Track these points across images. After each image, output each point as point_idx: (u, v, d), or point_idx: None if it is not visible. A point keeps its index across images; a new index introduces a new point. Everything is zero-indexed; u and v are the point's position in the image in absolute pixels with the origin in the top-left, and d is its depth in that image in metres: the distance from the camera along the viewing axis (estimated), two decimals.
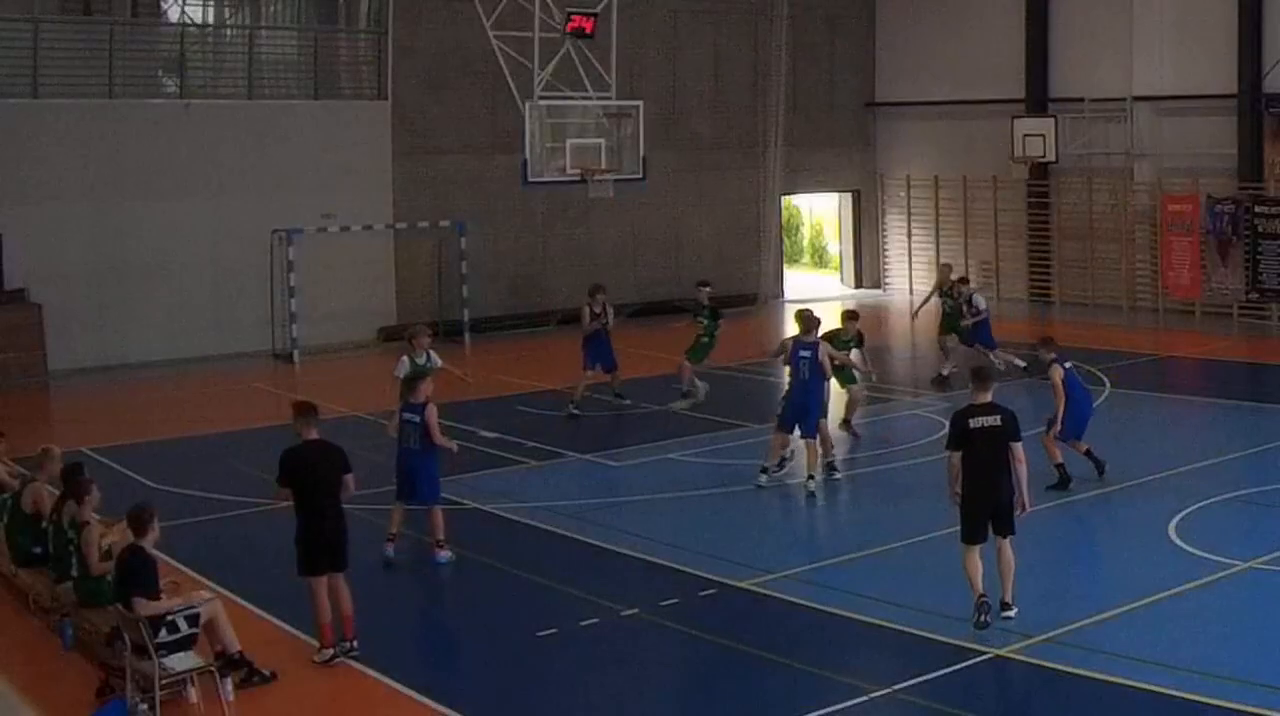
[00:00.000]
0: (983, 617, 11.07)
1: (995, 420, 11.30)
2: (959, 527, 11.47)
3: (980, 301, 22.57)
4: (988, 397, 11.48)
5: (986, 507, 11.28)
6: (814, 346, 15.95)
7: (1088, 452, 15.71)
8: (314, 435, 11.20)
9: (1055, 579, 12.67)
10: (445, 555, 13.60)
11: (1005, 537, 11.35)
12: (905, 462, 17.41)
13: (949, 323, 22.57)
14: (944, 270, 24.44)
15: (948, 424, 11.78)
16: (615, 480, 16.91)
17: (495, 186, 28.69)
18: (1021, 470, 11.34)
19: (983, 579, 11.24)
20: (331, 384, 23.08)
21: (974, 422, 11.31)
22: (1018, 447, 11.33)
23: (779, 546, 14.01)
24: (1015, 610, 11.34)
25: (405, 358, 16.20)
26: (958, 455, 11.32)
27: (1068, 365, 15.74)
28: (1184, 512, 14.22)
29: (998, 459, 11.27)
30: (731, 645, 11.23)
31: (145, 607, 9.83)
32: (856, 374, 18.54)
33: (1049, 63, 31.02)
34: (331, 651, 11.02)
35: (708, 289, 21.43)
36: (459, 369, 18.74)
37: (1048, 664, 10.45)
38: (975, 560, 11.28)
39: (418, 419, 13.38)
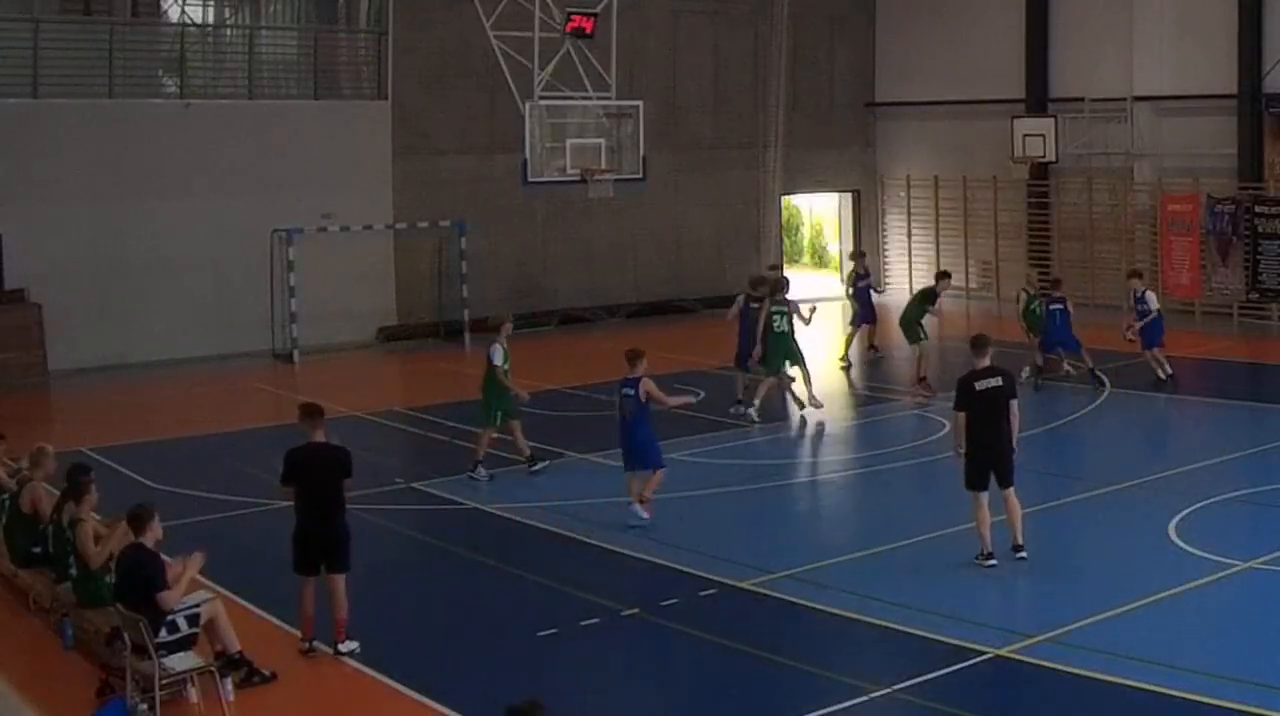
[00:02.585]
0: (991, 562, 12.67)
1: (997, 381, 12.89)
2: (964, 478, 12.83)
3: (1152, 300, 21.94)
4: (987, 362, 13.02)
5: (989, 458, 12.73)
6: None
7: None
8: (320, 437, 11.26)
9: (1055, 579, 12.67)
10: (646, 515, 14.41)
11: (1008, 488, 12.82)
12: (905, 462, 17.41)
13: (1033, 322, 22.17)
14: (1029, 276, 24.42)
15: (955, 387, 13.03)
16: (615, 480, 16.88)
17: (495, 186, 28.68)
18: (1015, 423, 12.91)
19: (991, 534, 12.67)
20: (331, 384, 23.08)
21: (979, 385, 12.82)
22: (1013, 405, 12.92)
23: (779, 546, 14.00)
24: (1025, 552, 12.82)
25: (498, 344, 16.96)
26: (963, 415, 12.83)
27: (1054, 307, 21.25)
28: (1184, 512, 14.22)
29: (998, 416, 12.79)
30: (731, 645, 11.23)
31: (168, 600, 9.86)
32: (924, 332, 21.48)
33: (1049, 63, 31.02)
34: (308, 644, 11.15)
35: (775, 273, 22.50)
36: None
37: (1048, 664, 10.44)
38: (985, 511, 12.72)
39: (633, 392, 14.43)
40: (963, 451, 12.89)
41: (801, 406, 19.78)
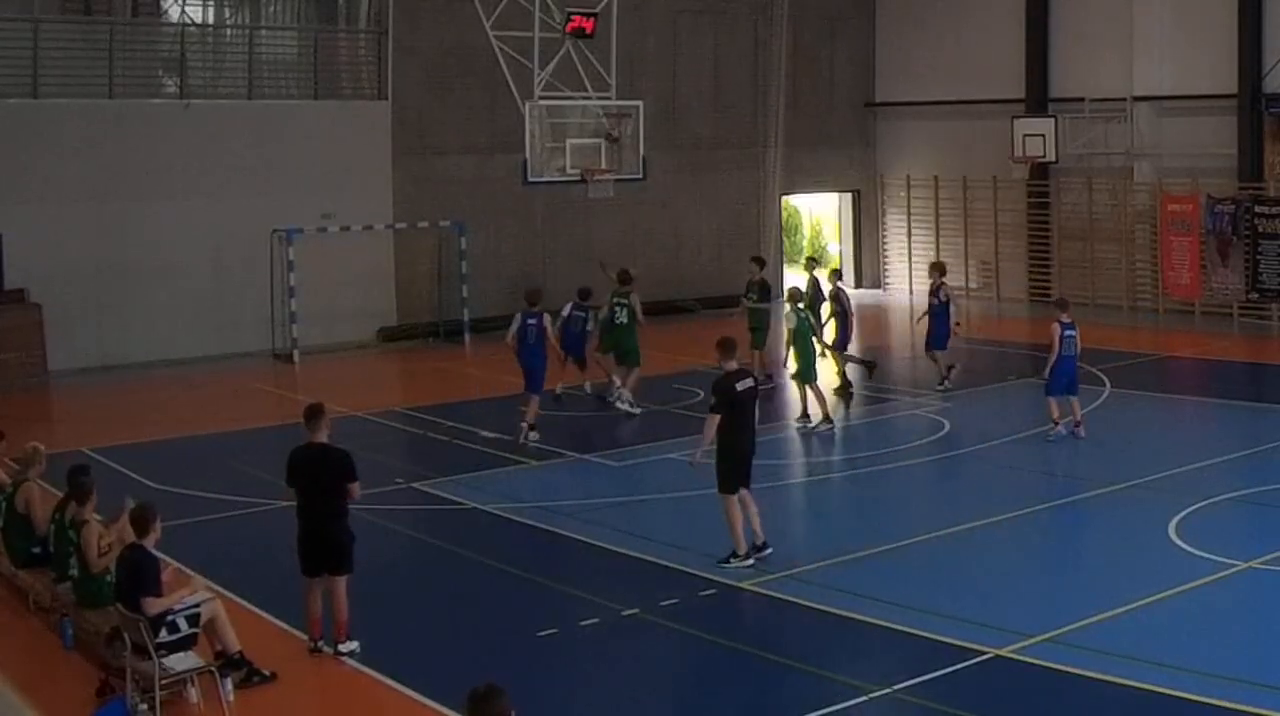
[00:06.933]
0: (750, 561, 12.86)
1: (751, 382, 13.28)
2: (719, 482, 12.93)
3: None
4: (735, 364, 13.17)
5: (745, 460, 13.01)
6: None
7: None
8: (321, 438, 11.18)
9: (1056, 578, 12.68)
10: (1081, 430, 17.73)
11: (749, 487, 13.09)
12: (905, 462, 17.40)
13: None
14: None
15: (712, 390, 13.01)
16: (615, 480, 16.90)
17: (495, 186, 28.69)
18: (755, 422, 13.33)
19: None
20: (331, 384, 23.07)
21: (740, 386, 12.99)
22: (756, 405, 13.35)
23: (779, 546, 13.98)
24: (770, 548, 13.04)
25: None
26: (718, 418, 12.79)
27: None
28: (1184, 512, 14.21)
29: (753, 416, 13.21)
30: (731, 645, 11.23)
31: (153, 606, 9.84)
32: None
33: (1049, 63, 31.02)
34: (314, 645, 11.17)
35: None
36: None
37: (1048, 664, 10.43)
38: (738, 509, 12.92)
39: (1075, 332, 18.06)
40: (709, 454, 12.93)
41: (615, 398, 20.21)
